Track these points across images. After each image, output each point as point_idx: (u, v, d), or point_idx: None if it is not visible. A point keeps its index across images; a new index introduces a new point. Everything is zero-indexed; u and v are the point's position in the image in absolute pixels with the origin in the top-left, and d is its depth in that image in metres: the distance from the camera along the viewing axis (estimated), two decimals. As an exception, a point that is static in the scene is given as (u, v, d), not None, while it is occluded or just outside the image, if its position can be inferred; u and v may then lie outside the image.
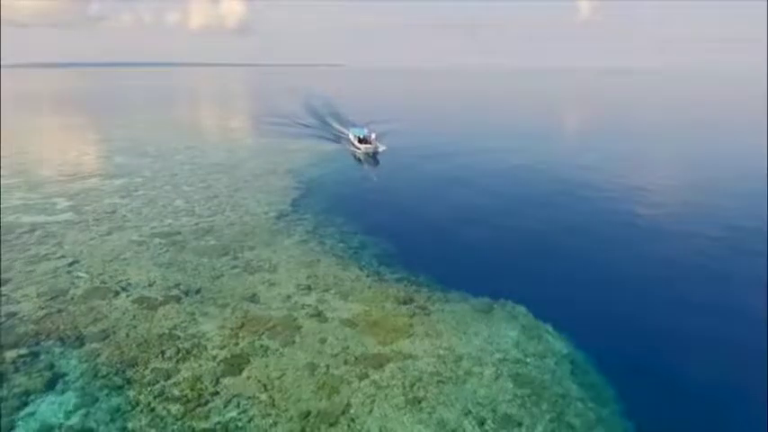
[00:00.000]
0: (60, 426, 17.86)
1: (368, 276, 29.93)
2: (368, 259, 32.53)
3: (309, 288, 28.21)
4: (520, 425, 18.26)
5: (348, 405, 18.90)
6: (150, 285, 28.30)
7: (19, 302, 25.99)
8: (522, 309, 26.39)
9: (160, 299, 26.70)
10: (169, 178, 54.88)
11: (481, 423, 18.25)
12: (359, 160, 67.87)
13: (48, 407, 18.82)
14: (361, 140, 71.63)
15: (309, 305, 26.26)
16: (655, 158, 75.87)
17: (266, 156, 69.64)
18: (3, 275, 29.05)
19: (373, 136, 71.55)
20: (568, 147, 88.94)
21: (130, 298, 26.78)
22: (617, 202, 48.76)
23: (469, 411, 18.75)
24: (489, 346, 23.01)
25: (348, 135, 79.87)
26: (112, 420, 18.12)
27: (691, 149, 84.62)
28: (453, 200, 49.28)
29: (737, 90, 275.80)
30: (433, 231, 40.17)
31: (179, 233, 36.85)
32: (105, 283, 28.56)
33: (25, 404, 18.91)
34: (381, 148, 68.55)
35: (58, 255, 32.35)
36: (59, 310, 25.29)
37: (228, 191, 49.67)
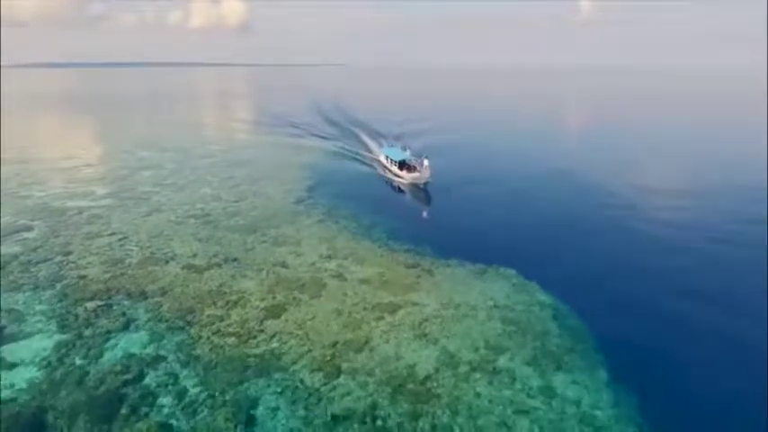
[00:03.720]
0: (140, 353, 22.47)
1: (379, 248, 34.51)
2: (379, 235, 37.10)
3: (330, 257, 32.81)
4: (507, 351, 22.80)
5: (368, 338, 23.48)
6: (194, 255, 32.93)
7: (86, 268, 30.68)
8: (512, 271, 30.91)
9: (204, 265, 31.35)
10: (192, 170, 59.53)
11: (476, 350, 22.80)
12: (398, 190, 52.42)
13: (126, 341, 23.45)
14: (402, 165, 54.83)
15: (331, 269, 30.86)
16: (653, 152, 79.95)
17: (279, 151, 74.15)
18: (65, 248, 33.75)
19: (426, 162, 50.91)
20: (567, 142, 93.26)
21: (179, 265, 31.42)
22: (611, 192, 53.10)
23: (466, 342, 23.31)
24: (483, 297, 27.56)
25: (380, 156, 63.93)
26: (180, 350, 22.73)
27: (694, 146, 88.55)
28: (453, 184, 53.57)
29: (738, 89, 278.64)
30: (436, 211, 44.76)
31: (210, 215, 41.51)
32: (154, 254, 33.21)
33: (108, 339, 23.54)
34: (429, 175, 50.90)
35: (109, 232, 37.04)
36: (121, 274, 29.96)
37: (249, 181, 54.26)
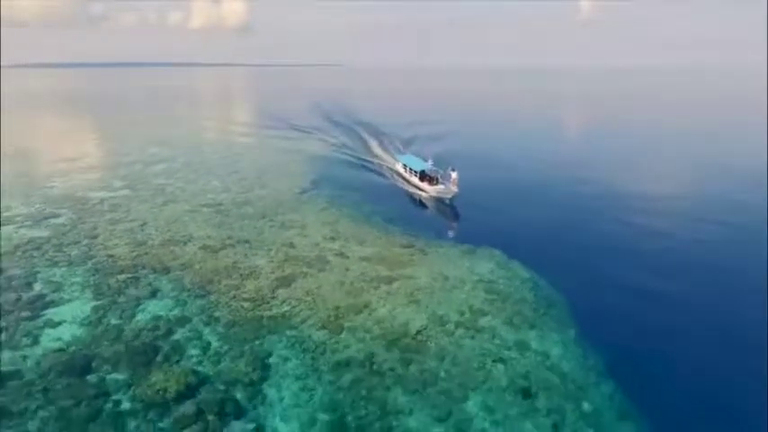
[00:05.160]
0: (167, 315, 25.73)
1: (378, 231, 37.84)
2: (377, 220, 40.49)
3: (333, 238, 36.13)
4: (488, 314, 26.09)
5: (367, 303, 26.77)
6: (209, 238, 36.24)
7: (113, 249, 33.99)
8: (497, 251, 34.23)
9: (219, 246, 34.66)
10: (201, 165, 62.87)
11: (461, 313, 26.09)
12: (420, 203, 47.90)
13: (155, 306, 26.73)
14: (423, 177, 50.30)
15: (334, 248, 34.17)
16: (649, 151, 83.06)
17: (283, 149, 77.31)
18: (92, 232, 37.06)
19: (453, 175, 46.15)
20: (561, 139, 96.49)
21: (196, 246, 34.73)
22: (604, 187, 56.28)
23: (452, 307, 26.61)
24: (470, 272, 30.87)
25: (396, 165, 59.23)
26: (202, 312, 26.01)
27: (695, 146, 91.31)
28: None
29: (739, 89, 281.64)
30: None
31: (221, 204, 44.83)
32: (173, 237, 36.50)
33: (138, 304, 26.81)
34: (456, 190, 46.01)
35: (130, 218, 40.36)
36: (145, 253, 33.28)
37: (255, 174, 57.57)
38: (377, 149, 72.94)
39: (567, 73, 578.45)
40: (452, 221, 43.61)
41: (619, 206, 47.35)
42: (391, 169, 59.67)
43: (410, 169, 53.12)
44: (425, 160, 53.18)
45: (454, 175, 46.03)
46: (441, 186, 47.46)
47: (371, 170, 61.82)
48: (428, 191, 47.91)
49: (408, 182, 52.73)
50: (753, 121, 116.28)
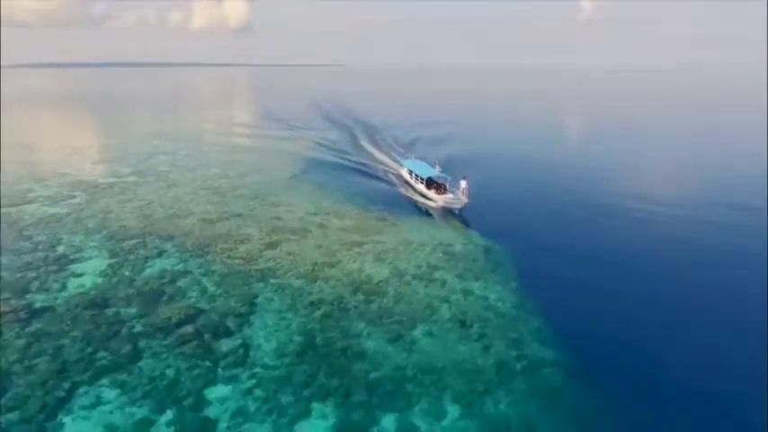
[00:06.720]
0: (171, 269, 30.66)
1: (356, 208, 42.82)
2: (358, 200, 45.45)
3: (316, 213, 41.12)
4: (442, 269, 30.99)
5: (340, 260, 31.71)
6: (207, 213, 41.20)
7: (124, 221, 38.97)
8: (459, 223, 39.15)
9: (216, 219, 39.63)
10: (201, 155, 67.94)
11: (418, 268, 31.01)
12: (426, 213, 43.72)
13: (161, 262, 31.65)
14: (430, 184, 47.32)
15: (316, 221, 39.15)
16: (645, 150, 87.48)
17: (281, 146, 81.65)
18: (105, 209, 42.05)
19: (463, 184, 43.20)
20: (568, 141, 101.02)
21: (196, 218, 39.71)
22: (591, 180, 60.89)
23: (412, 263, 31.54)
24: (431, 238, 35.82)
25: (401, 171, 55.88)
26: (201, 267, 30.93)
27: (697, 146, 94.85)
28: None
29: (739, 89, 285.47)
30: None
31: (219, 187, 49.83)
32: (176, 212, 41.48)
33: (147, 261, 31.73)
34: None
35: (138, 199, 45.34)
36: (152, 224, 38.27)
37: (251, 163, 62.61)
38: (378, 152, 70.94)
39: (567, 73, 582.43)
40: (463, 231, 39.53)
41: (615, 204, 46.76)
42: (394, 174, 56.99)
43: (416, 175, 49.62)
44: (432, 165, 50.17)
45: (464, 183, 43.07)
46: (450, 195, 43.98)
47: (372, 173, 59.23)
48: (436, 200, 44.47)
49: (414, 188, 49.63)
50: (753, 121, 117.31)
